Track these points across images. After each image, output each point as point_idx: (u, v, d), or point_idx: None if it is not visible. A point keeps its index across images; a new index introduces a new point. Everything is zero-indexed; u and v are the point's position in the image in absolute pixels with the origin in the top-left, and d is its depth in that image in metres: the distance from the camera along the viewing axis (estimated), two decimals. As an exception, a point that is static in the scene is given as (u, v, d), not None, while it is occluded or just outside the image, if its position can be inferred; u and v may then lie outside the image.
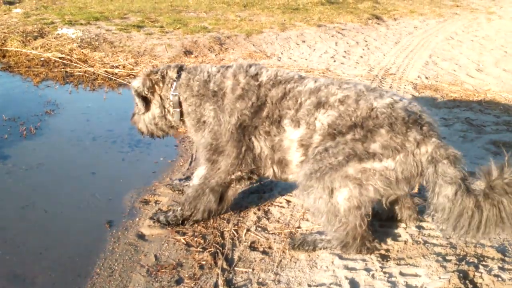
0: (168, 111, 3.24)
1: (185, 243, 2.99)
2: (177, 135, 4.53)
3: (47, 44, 7.58)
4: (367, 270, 2.68)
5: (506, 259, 2.74)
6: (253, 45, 8.94)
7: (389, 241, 2.97)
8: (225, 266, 2.77)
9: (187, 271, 2.74)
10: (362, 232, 2.72)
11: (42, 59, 6.99)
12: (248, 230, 3.13)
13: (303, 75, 3.07)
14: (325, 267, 2.74)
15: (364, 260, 2.77)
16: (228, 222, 3.22)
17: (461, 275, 2.53)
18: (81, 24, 9.20)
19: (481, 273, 2.57)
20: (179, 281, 2.65)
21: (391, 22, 12.95)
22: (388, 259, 2.79)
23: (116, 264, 2.81)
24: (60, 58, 7.01)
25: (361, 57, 8.60)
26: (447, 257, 2.76)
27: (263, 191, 3.66)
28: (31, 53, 7.19)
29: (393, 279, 2.59)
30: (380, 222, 3.15)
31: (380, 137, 2.53)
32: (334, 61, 8.17)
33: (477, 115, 5.60)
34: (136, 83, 3.21)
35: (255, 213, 3.34)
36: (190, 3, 13.09)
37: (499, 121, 5.40)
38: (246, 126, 2.91)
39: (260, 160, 2.98)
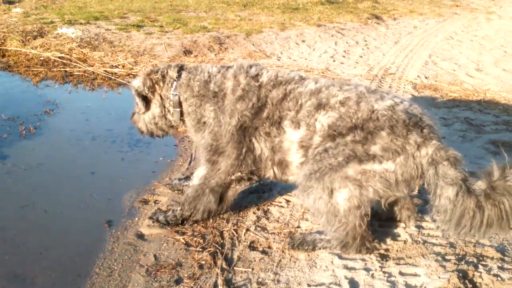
0: (168, 111, 3.24)
1: (184, 242, 2.99)
2: (176, 134, 4.53)
3: (46, 43, 7.57)
4: (367, 269, 2.68)
5: (506, 258, 2.74)
6: (253, 44, 8.93)
7: (388, 240, 2.97)
8: (224, 265, 2.77)
9: (186, 271, 2.74)
10: (362, 232, 2.72)
11: (41, 58, 6.99)
12: (247, 229, 3.14)
13: (304, 75, 3.07)
14: (324, 267, 2.74)
15: (363, 259, 2.77)
16: (228, 221, 3.22)
17: (460, 274, 2.54)
18: (81, 23, 9.20)
19: (481, 272, 2.57)
20: (178, 281, 2.65)
21: (390, 22, 12.95)
22: (388, 258, 2.79)
23: (115, 264, 2.82)
24: (59, 57, 7.01)
25: (361, 56, 8.60)
26: (447, 257, 2.76)
27: (262, 190, 3.66)
28: (30, 52, 7.19)
29: (392, 278, 2.59)
30: (380, 222, 3.15)
31: (380, 139, 2.53)
32: (334, 60, 8.16)
33: (476, 115, 5.60)
34: (137, 83, 3.21)
35: (254, 213, 3.34)
36: (189, 2, 13.09)
37: (498, 121, 5.41)
38: (246, 127, 2.91)
39: (260, 161, 2.98)
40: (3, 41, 7.60)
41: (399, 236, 3.04)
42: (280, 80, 2.94)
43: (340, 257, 2.80)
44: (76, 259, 2.88)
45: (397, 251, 2.87)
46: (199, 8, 12.27)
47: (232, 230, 3.12)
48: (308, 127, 2.75)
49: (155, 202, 3.51)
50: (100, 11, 10.67)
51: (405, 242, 2.95)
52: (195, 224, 3.16)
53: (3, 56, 7.14)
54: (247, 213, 3.34)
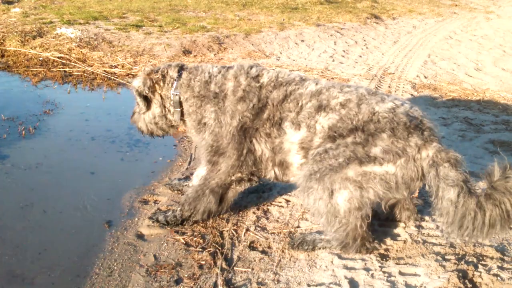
0: (169, 111, 3.24)
1: (184, 243, 2.99)
2: (176, 135, 4.53)
3: (45, 43, 7.57)
4: (367, 269, 2.68)
5: (505, 258, 2.75)
6: (252, 44, 8.93)
7: (388, 240, 2.97)
8: (224, 266, 2.77)
9: (186, 271, 2.73)
10: (362, 233, 2.72)
11: (40, 58, 6.98)
12: (247, 229, 3.13)
13: (304, 76, 3.06)
14: (324, 267, 2.74)
15: (363, 259, 2.77)
16: (228, 222, 3.22)
17: (460, 274, 2.54)
18: (80, 23, 9.18)
19: (480, 272, 2.57)
20: (178, 281, 2.65)
21: (389, 22, 12.95)
22: (388, 258, 2.79)
23: (115, 264, 2.81)
24: (58, 57, 7.00)
25: (360, 56, 8.60)
26: (446, 257, 2.76)
27: (262, 190, 3.65)
28: (29, 52, 7.18)
29: (392, 278, 2.59)
30: (379, 222, 3.15)
31: (381, 141, 2.54)
32: (333, 60, 8.16)
33: (475, 114, 5.61)
34: (137, 83, 3.20)
35: (254, 213, 3.34)
36: (189, 2, 13.08)
37: (497, 120, 5.41)
38: (247, 128, 2.91)
39: (261, 162, 2.98)
40: (2, 41, 7.59)
41: (399, 236, 3.04)
42: (280, 81, 2.94)
43: (340, 257, 2.80)
44: (75, 259, 2.88)
45: (397, 251, 2.87)
46: (198, 8, 12.26)
47: (232, 230, 3.12)
48: (308, 128, 2.76)
49: (155, 202, 3.51)
50: (99, 11, 10.65)
51: (405, 242, 2.96)
52: (195, 224, 3.16)
53: (2, 56, 7.13)
54: (247, 213, 3.34)
